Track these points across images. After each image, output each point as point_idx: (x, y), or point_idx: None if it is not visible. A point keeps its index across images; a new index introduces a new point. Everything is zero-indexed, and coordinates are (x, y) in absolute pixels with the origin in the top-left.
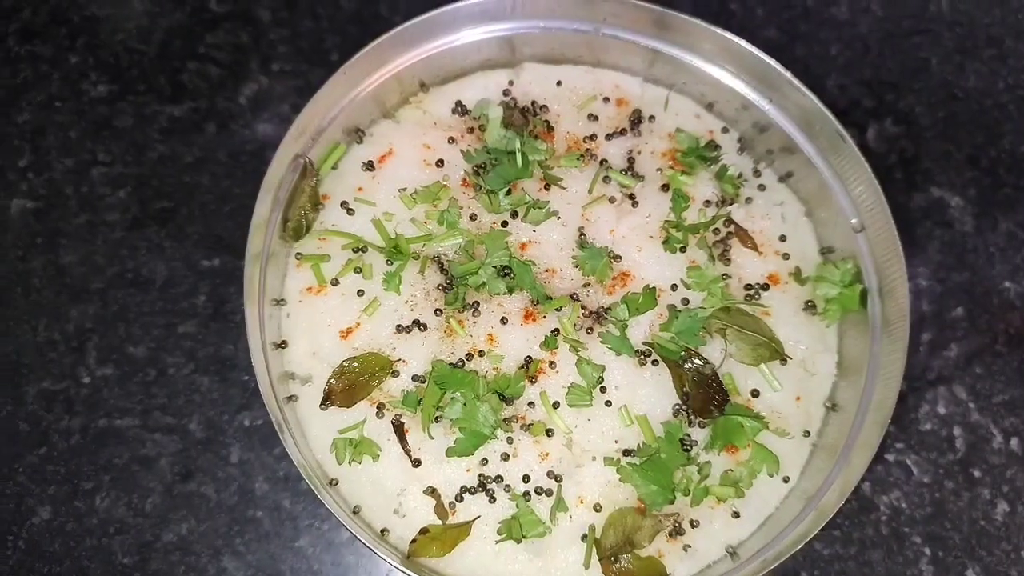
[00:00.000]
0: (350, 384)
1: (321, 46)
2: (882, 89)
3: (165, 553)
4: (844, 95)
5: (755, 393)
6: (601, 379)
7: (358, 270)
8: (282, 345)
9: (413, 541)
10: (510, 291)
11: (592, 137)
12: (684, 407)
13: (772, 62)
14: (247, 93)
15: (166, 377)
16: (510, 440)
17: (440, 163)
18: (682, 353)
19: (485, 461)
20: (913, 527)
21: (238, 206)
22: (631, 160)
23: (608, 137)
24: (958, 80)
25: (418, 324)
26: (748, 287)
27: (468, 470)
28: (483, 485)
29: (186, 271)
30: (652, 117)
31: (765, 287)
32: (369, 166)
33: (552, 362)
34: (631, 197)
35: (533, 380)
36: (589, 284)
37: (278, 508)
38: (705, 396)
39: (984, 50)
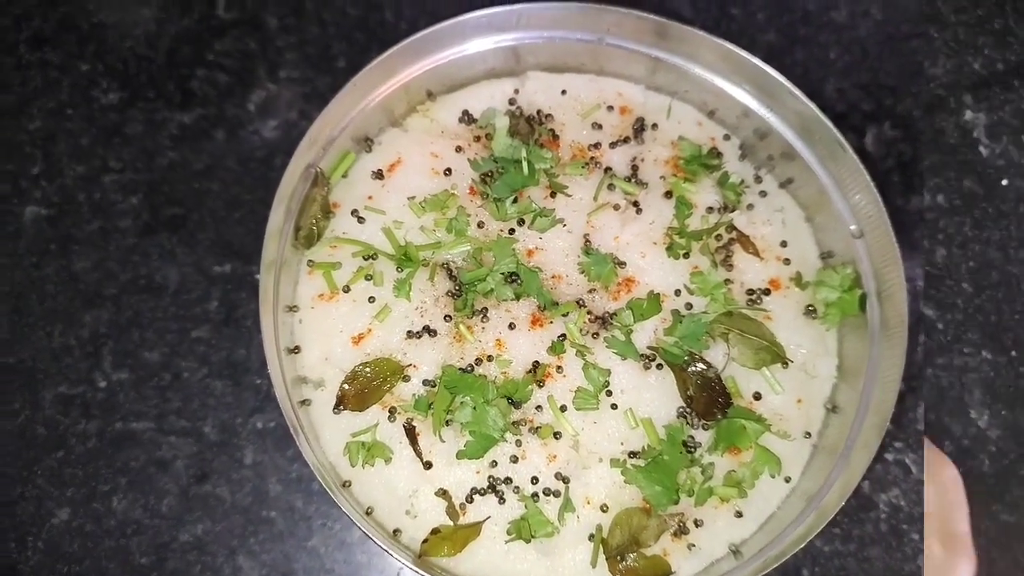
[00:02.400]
0: (362, 389)
1: (328, 53)
2: (880, 93)
3: (182, 553)
4: (842, 99)
5: (757, 396)
6: (607, 383)
7: (369, 277)
8: (295, 351)
9: (425, 541)
10: (517, 297)
11: (596, 145)
12: (688, 410)
13: (771, 71)
14: (255, 100)
15: (180, 381)
16: (519, 443)
17: (448, 172)
18: (686, 357)
19: (494, 463)
20: (911, 524)
21: (248, 212)
22: (635, 168)
23: (612, 145)
24: None
25: (428, 330)
26: (750, 292)
27: (478, 472)
28: (493, 487)
29: (198, 277)
30: (655, 125)
31: (767, 292)
32: (378, 175)
33: (559, 366)
34: (635, 204)
35: (541, 384)
36: (594, 290)
37: (291, 509)
38: (708, 399)
39: None
